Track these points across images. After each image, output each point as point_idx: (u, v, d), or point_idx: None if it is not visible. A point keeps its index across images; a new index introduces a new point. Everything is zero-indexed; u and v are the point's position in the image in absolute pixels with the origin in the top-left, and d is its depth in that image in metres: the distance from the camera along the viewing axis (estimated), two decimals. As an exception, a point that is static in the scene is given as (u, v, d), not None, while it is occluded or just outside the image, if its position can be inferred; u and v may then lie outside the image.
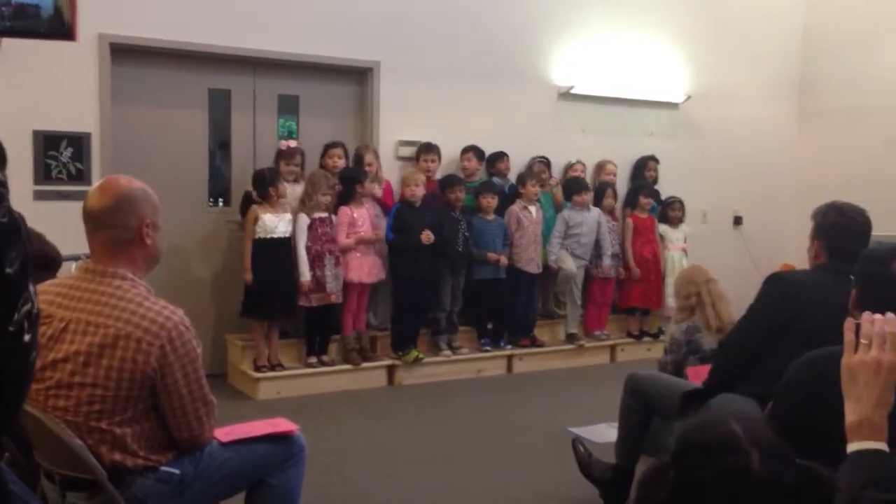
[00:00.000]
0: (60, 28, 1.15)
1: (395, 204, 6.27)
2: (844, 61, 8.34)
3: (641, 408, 3.77)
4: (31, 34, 1.13)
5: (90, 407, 2.31)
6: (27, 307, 1.13)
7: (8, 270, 1.09)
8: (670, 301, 7.47)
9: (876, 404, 1.51)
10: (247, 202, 5.87)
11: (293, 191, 5.93)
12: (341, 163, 6.14)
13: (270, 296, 5.73)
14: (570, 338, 7.14)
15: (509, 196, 6.84)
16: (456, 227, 6.38)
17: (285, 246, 5.78)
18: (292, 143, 6.04)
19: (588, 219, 7.02)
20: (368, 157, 6.24)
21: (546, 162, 7.14)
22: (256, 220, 5.69)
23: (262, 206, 5.74)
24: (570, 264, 6.97)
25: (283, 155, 5.95)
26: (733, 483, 1.19)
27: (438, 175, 6.64)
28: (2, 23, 1.11)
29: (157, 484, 2.41)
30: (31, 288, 1.15)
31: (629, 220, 7.42)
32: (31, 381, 1.22)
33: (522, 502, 4.03)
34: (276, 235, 5.72)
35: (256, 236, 5.71)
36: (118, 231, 2.38)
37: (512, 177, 7.02)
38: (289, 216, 5.79)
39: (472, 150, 6.77)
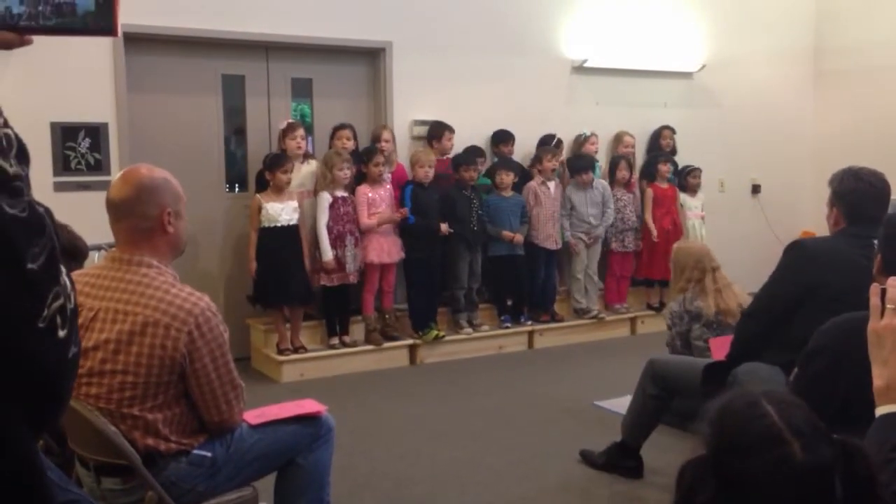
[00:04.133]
0: (101, 23, 1.14)
1: (405, 185, 6.24)
2: (857, 26, 8.25)
3: (661, 393, 3.81)
4: (72, 31, 1.12)
5: (122, 394, 2.35)
6: (59, 302, 1.11)
7: (31, 266, 1.06)
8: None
9: None
10: (260, 184, 5.92)
11: (300, 169, 5.93)
12: (350, 144, 6.12)
13: (283, 283, 5.74)
14: (580, 312, 7.09)
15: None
16: (468, 205, 6.39)
17: (292, 233, 5.76)
18: (290, 120, 6.05)
19: (593, 195, 6.97)
20: (385, 136, 6.23)
21: (557, 142, 7.11)
22: (260, 209, 5.70)
23: (266, 195, 5.74)
24: (580, 249, 6.98)
25: (286, 132, 5.92)
26: (779, 476, 1.20)
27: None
28: (44, 21, 1.10)
29: (189, 467, 2.46)
30: (64, 283, 1.13)
31: (649, 191, 7.37)
32: (74, 376, 1.21)
33: (548, 476, 4.06)
34: (280, 224, 5.70)
35: (262, 225, 5.71)
36: (139, 220, 2.41)
37: (519, 154, 6.98)
38: (294, 203, 5.76)
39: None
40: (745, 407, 1.28)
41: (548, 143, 7.04)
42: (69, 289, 1.15)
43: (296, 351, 5.89)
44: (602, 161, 7.39)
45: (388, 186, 6.16)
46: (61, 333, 1.12)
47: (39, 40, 1.14)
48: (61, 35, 1.12)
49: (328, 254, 5.81)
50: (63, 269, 1.14)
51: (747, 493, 1.21)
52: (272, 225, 5.70)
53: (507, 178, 6.58)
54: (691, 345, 4.54)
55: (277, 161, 5.73)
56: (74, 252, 2.89)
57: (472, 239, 6.43)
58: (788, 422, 1.23)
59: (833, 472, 1.21)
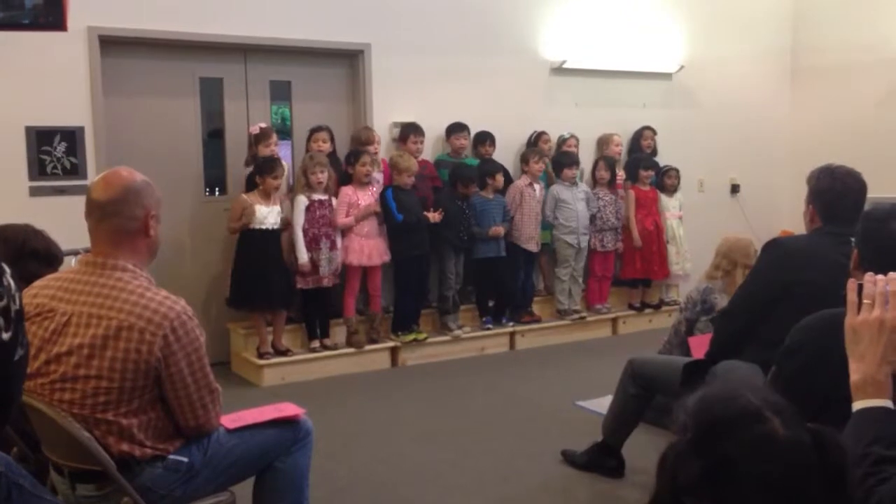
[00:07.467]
0: (49, 18, 1.12)
1: (385, 189, 6.18)
2: (834, 26, 8.31)
3: (642, 392, 3.81)
4: (17, 26, 1.10)
5: (96, 399, 2.32)
6: (2, 303, 1.09)
7: None
8: (675, 268, 7.49)
9: (879, 363, 1.52)
10: (250, 185, 5.88)
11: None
12: (326, 146, 6.09)
13: (265, 285, 5.70)
14: (562, 313, 7.09)
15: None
16: (461, 214, 6.41)
17: (275, 237, 5.75)
18: (262, 124, 5.97)
19: (577, 193, 6.97)
20: (374, 137, 6.22)
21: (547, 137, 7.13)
22: (245, 209, 5.66)
23: (253, 195, 5.71)
24: (563, 247, 6.99)
25: (260, 139, 5.85)
26: (762, 452, 1.19)
27: (428, 153, 6.70)
28: None
29: (165, 472, 2.43)
30: (8, 284, 1.11)
31: (631, 193, 7.38)
32: (21, 380, 1.18)
33: (529, 477, 4.06)
34: (265, 226, 5.68)
35: (248, 226, 5.67)
36: (125, 221, 2.39)
37: (499, 154, 6.92)
38: (279, 209, 5.75)
39: (464, 129, 6.71)
40: (723, 394, 1.28)
41: (533, 141, 7.07)
42: (13, 290, 1.12)
43: (279, 353, 5.86)
44: (585, 163, 7.38)
45: (373, 189, 6.12)
46: (5, 336, 1.10)
47: (14, 43, 1.12)
48: (10, 30, 1.10)
49: (304, 256, 5.80)
50: (7, 270, 1.12)
51: (731, 474, 1.20)
52: (257, 227, 5.67)
53: (495, 181, 6.57)
54: (693, 334, 4.55)
55: (271, 167, 5.68)
56: (49, 257, 2.85)
57: (460, 246, 6.46)
58: (766, 401, 1.23)
59: (813, 457, 1.20)
